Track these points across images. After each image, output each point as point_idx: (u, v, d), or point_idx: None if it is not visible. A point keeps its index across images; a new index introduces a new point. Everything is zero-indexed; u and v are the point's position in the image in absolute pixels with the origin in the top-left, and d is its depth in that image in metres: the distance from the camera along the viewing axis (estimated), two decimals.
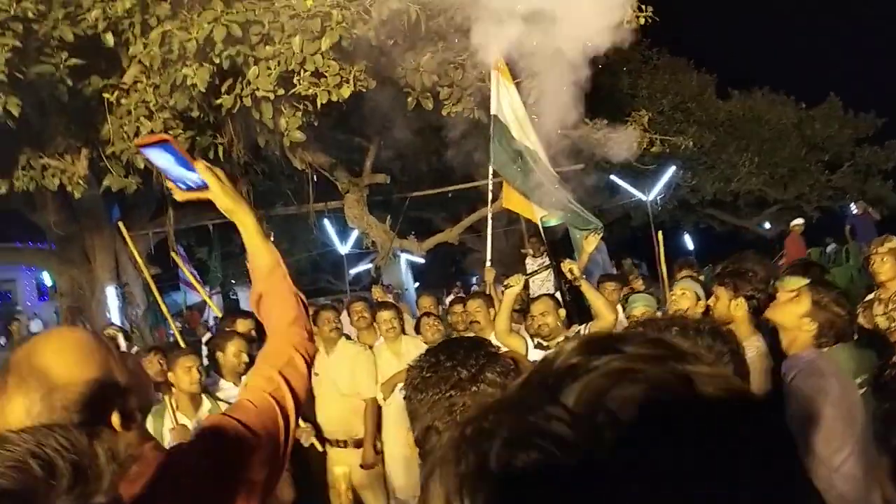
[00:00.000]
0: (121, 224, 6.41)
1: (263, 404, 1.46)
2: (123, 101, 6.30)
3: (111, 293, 10.37)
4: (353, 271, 17.15)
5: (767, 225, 21.30)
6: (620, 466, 0.43)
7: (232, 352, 4.36)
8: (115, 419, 1.24)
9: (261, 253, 1.70)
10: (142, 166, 6.54)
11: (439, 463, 0.47)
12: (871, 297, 4.35)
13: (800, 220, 12.11)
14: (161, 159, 1.59)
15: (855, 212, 15.78)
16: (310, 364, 1.62)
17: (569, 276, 4.45)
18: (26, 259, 14.35)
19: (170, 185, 1.66)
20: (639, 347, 0.49)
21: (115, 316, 10.21)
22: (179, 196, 1.65)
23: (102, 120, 6.52)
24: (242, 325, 4.97)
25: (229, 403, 4.01)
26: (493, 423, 0.47)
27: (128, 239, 6.12)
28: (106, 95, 6.27)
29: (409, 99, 7.15)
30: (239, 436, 1.39)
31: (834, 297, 2.76)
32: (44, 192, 7.71)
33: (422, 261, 15.33)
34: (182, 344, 5.32)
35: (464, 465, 0.46)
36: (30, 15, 5.51)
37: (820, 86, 19.10)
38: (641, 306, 4.45)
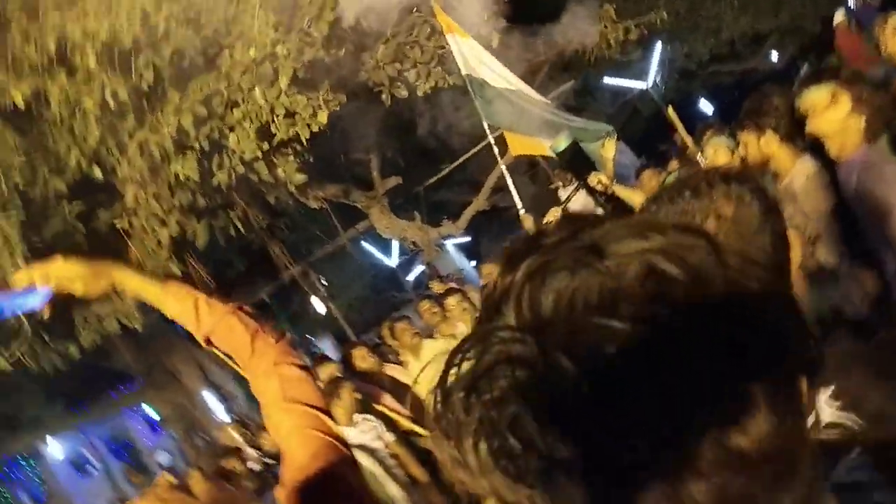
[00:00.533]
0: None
1: (308, 441, 1.35)
2: (135, 222, 6.48)
3: (209, 398, 10.67)
4: (410, 278, 17.27)
5: (774, 58, 20.61)
6: (573, 369, 0.42)
7: None
8: None
9: (167, 300, 1.54)
10: (179, 273, 6.73)
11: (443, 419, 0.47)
12: None
13: (840, 14, 10.57)
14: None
15: (852, 5, 15.15)
16: (302, 366, 1.48)
17: (599, 188, 4.41)
18: (125, 402, 14.84)
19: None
20: (551, 237, 0.49)
21: (222, 415, 10.50)
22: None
23: (125, 247, 6.72)
24: (325, 372, 5.14)
25: None
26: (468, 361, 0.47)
27: (218, 353, 6.29)
28: (117, 223, 6.46)
29: (384, 96, 7.16)
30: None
31: (870, 88, 2.69)
32: (111, 338, 7.96)
33: (467, 239, 15.33)
34: None
35: (459, 414, 0.46)
36: (20, 184, 5.71)
37: None
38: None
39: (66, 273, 1.49)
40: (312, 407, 1.39)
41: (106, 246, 6.84)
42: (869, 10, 14.71)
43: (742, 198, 0.98)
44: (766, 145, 3.47)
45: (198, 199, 6.45)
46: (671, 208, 1.01)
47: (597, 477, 0.42)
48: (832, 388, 0.96)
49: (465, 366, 0.47)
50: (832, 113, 2.70)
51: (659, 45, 14.81)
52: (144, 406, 14.38)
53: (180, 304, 1.53)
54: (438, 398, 0.47)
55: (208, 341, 1.53)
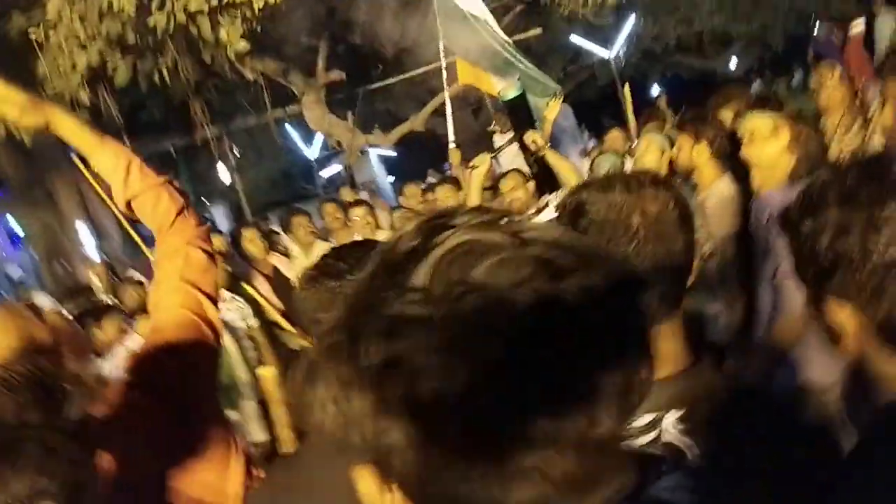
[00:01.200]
0: (76, 159, 6.25)
1: (182, 320, 1.38)
2: (52, 37, 6.01)
3: (83, 229, 10.19)
4: (324, 174, 16.94)
5: (733, 66, 21.00)
6: (483, 333, 0.46)
7: None
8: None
9: (100, 153, 1.52)
10: (87, 101, 6.33)
11: (319, 366, 0.50)
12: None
13: (859, 22, 9.75)
14: None
15: (818, 35, 15.54)
16: (211, 254, 1.51)
17: (532, 147, 4.42)
18: None
19: None
20: (469, 218, 0.52)
21: (92, 252, 10.09)
22: None
23: (35, 59, 6.24)
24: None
25: None
26: (358, 321, 0.49)
27: (86, 172, 5.98)
28: (32, 31, 5.97)
29: None
30: (169, 358, 1.35)
31: (810, 131, 2.78)
32: None
33: (393, 154, 15.15)
34: None
35: (344, 368, 0.49)
36: None
37: None
38: (606, 166, 4.47)
39: (3, 94, 1.45)
40: (203, 293, 1.42)
41: (12, 54, 6.34)
42: (831, 45, 15.13)
43: (666, 202, 1.04)
44: (697, 155, 3.57)
45: (128, 33, 6.04)
46: (600, 197, 1.06)
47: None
48: (683, 411, 1.00)
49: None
50: (769, 144, 2.78)
51: (632, 19, 14.73)
52: (10, 217, 13.66)
53: (113, 160, 1.51)
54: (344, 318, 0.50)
55: (128, 205, 1.52)
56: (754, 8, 17.99)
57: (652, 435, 1.00)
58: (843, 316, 0.97)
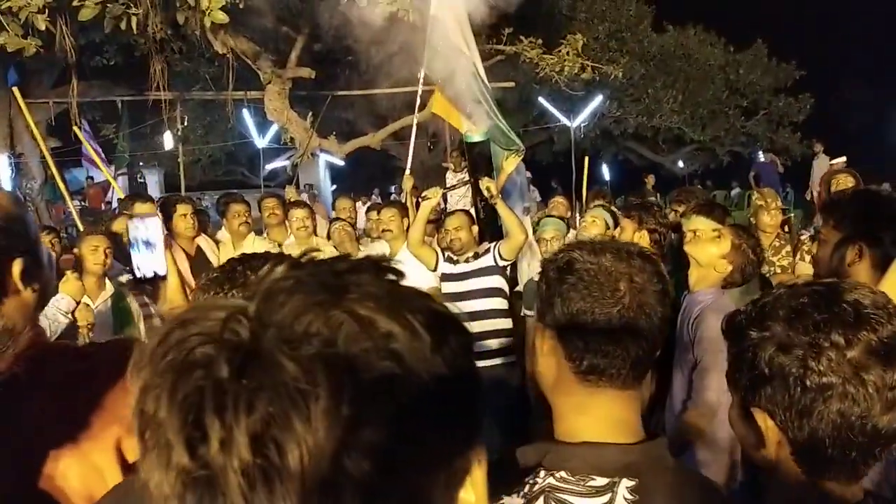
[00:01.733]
0: (15, 89, 5.92)
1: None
2: None
3: (3, 162, 9.69)
4: (269, 167, 16.66)
5: (681, 164, 21.97)
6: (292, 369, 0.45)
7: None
8: (17, 269, 1.16)
9: None
10: (42, 27, 6.02)
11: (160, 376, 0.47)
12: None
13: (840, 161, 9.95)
14: (141, 231, 1.67)
15: (762, 160, 16.47)
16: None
17: (485, 193, 4.46)
18: None
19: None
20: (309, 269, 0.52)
21: (6, 186, 9.59)
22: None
23: None
24: (140, 209, 4.77)
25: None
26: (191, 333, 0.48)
27: (22, 105, 5.67)
28: None
29: None
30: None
31: (752, 243, 2.91)
32: None
33: (341, 163, 15.04)
34: (79, 223, 5.09)
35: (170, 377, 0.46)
36: None
37: (750, 28, 19.33)
38: (552, 230, 4.54)
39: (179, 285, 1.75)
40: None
41: None
42: (771, 171, 16.00)
43: (652, 276, 1.09)
44: (638, 240, 3.67)
45: None
46: (592, 259, 1.09)
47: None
48: (636, 481, 1.02)
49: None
50: (711, 247, 2.90)
51: (600, 97, 15.25)
52: None
53: None
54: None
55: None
56: (711, 119, 18.98)
57: (605, 499, 1.02)
58: (766, 427, 1.02)
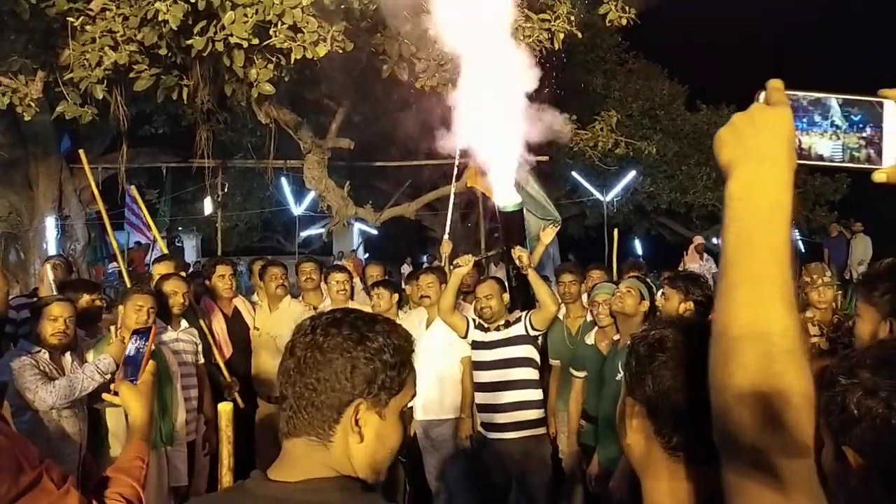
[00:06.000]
0: (81, 152, 6.20)
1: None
2: (88, 27, 6.05)
3: (51, 224, 10.02)
4: (304, 233, 16.95)
5: (715, 241, 21.81)
6: None
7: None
8: None
9: (130, 450, 1.79)
10: (100, 97, 6.32)
11: None
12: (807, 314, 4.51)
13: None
14: (136, 343, 1.82)
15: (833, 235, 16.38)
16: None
17: (518, 262, 4.50)
18: None
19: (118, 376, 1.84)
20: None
21: (51, 248, 9.88)
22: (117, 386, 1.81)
23: (64, 44, 6.26)
24: (157, 269, 4.95)
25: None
26: None
27: (87, 167, 5.95)
28: (70, 19, 6.02)
29: (385, 67, 7.07)
30: None
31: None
32: None
33: (375, 232, 15.24)
34: (128, 281, 5.24)
35: None
36: None
37: None
38: (604, 293, 4.54)
39: (142, 395, 1.85)
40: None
41: (44, 32, 6.38)
42: (837, 246, 15.75)
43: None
44: (683, 310, 3.67)
45: (162, 46, 6.11)
46: (682, 338, 1.13)
47: None
48: None
49: None
50: None
51: (633, 173, 15.37)
52: None
53: (136, 455, 1.81)
54: None
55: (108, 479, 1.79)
56: None
57: None
58: (856, 464, 1.10)
